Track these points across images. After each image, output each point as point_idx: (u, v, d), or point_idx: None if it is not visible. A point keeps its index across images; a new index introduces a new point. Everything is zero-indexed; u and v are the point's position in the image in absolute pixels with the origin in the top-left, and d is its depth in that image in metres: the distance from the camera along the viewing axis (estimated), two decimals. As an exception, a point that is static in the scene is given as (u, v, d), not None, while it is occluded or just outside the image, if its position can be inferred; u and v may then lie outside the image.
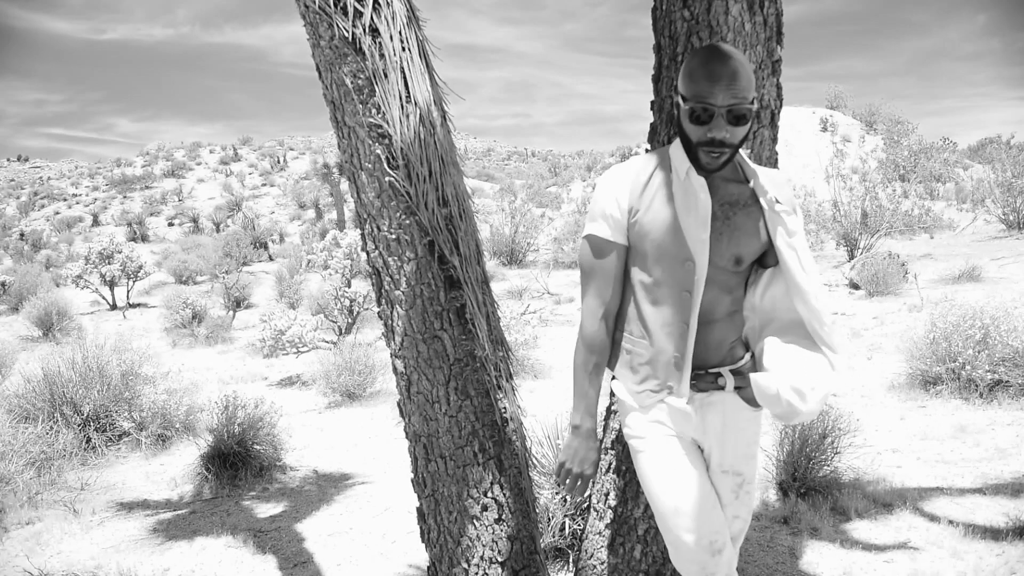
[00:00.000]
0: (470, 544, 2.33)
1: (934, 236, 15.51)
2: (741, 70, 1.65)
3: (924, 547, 3.26)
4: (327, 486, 4.69)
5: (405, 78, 2.17)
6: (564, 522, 3.25)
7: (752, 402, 1.84)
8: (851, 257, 13.06)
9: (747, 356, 1.88)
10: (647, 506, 2.28)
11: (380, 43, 2.14)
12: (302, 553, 3.68)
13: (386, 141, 2.18)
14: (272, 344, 8.09)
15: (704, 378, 1.84)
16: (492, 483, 2.33)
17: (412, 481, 2.44)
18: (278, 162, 56.38)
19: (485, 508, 2.33)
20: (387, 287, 2.29)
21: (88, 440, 5.17)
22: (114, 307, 14.53)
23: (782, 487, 3.91)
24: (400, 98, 2.16)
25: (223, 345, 10.52)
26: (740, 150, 2.17)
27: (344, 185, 29.69)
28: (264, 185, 50.32)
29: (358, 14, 2.12)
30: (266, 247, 26.06)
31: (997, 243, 13.95)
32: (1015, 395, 5.09)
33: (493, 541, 2.34)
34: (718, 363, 1.85)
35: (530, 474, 2.53)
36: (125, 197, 48.47)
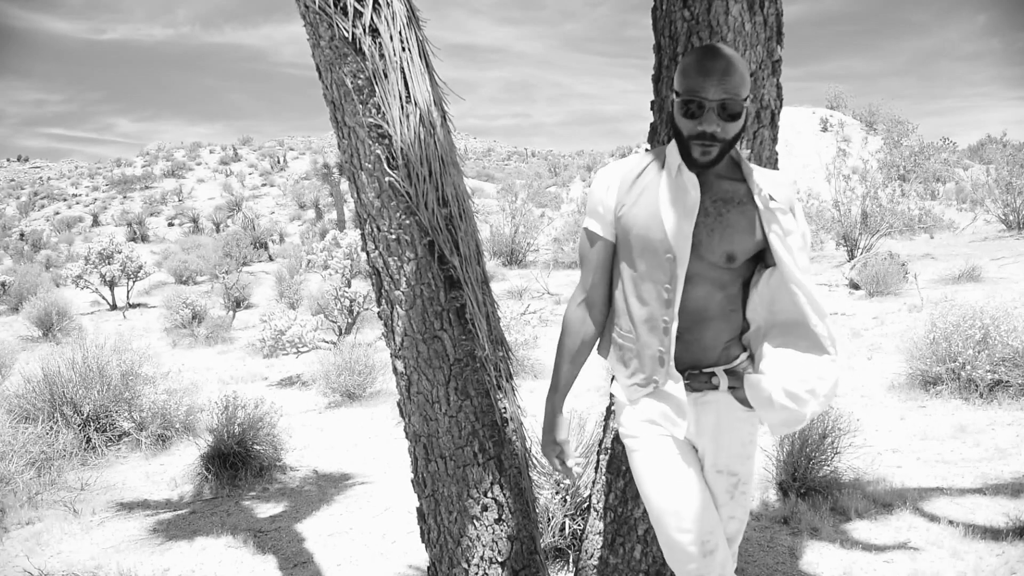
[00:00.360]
0: (470, 544, 2.33)
1: (934, 236, 15.51)
2: (734, 67, 1.67)
3: (924, 547, 3.26)
4: (327, 486, 4.69)
5: (405, 78, 2.17)
6: (564, 522, 3.25)
7: (745, 403, 1.84)
8: (851, 257, 13.06)
9: (743, 356, 1.88)
10: (647, 510, 2.28)
11: (380, 43, 2.14)
12: (302, 553, 3.68)
13: (386, 141, 2.18)
14: (272, 344, 8.09)
15: (698, 377, 1.84)
16: (492, 483, 2.33)
17: (412, 481, 2.44)
18: (278, 162, 56.39)
19: (485, 508, 2.33)
20: (387, 287, 2.29)
21: (88, 440, 5.17)
22: (114, 307, 14.53)
23: (782, 487, 3.91)
24: (400, 98, 2.16)
25: (223, 345, 10.52)
26: (740, 150, 2.18)
27: (344, 185, 29.69)
28: (264, 185, 50.33)
29: (358, 14, 2.12)
30: (266, 247, 26.06)
31: (997, 243, 13.95)
32: (1015, 395, 5.09)
33: (493, 541, 2.34)
34: (713, 363, 1.85)
35: (530, 474, 2.53)
36: (125, 197, 48.48)
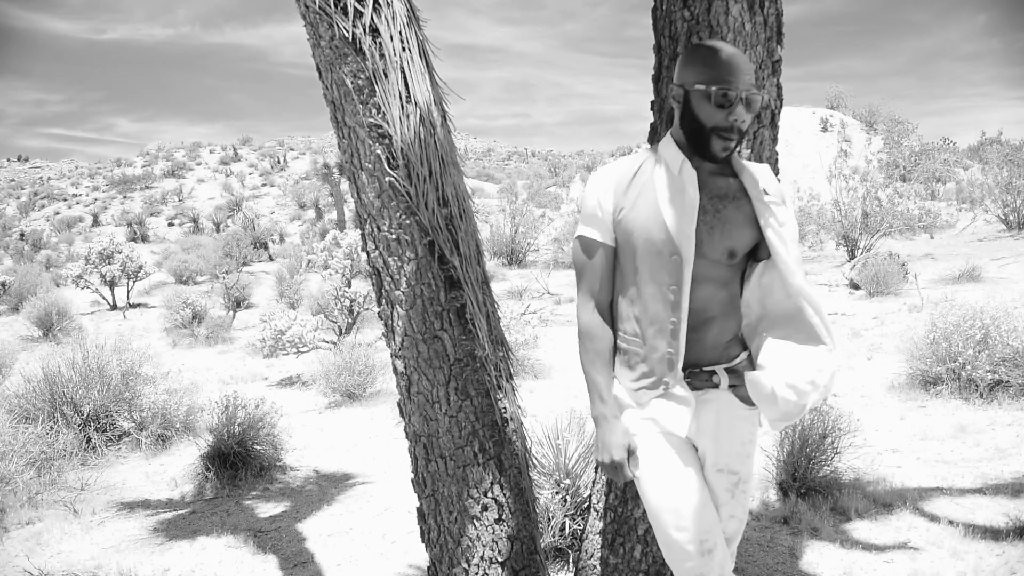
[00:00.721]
0: (470, 544, 2.33)
1: (934, 236, 15.52)
2: (749, 64, 1.74)
3: (924, 547, 3.26)
4: (327, 486, 4.69)
5: (405, 78, 2.17)
6: (564, 522, 3.25)
7: (747, 401, 1.85)
8: (851, 257, 13.07)
9: (743, 355, 1.89)
10: (645, 508, 2.28)
11: (380, 43, 2.14)
12: (302, 553, 3.68)
13: (386, 141, 2.18)
14: (272, 344, 8.09)
15: (699, 376, 1.84)
16: (492, 483, 2.33)
17: (412, 481, 2.44)
18: (278, 162, 56.39)
19: (485, 508, 2.33)
20: (387, 287, 2.29)
21: (88, 440, 5.17)
22: (114, 307, 14.54)
23: (782, 487, 3.91)
24: (400, 98, 2.16)
25: (223, 345, 10.52)
26: (740, 159, 2.18)
27: (344, 185, 29.70)
28: (264, 185, 50.33)
29: (358, 14, 2.12)
30: (266, 247, 26.06)
31: (997, 243, 13.95)
32: (1015, 395, 5.09)
33: (493, 541, 2.34)
34: (714, 361, 1.85)
35: (530, 474, 2.53)
36: (125, 197, 48.48)
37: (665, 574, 2.33)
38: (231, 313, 12.72)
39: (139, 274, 15.13)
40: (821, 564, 3.19)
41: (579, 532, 3.17)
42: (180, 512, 4.32)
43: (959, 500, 3.73)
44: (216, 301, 13.65)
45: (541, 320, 9.19)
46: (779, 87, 2.27)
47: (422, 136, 2.19)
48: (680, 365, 1.80)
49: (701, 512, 1.81)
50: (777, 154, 2.35)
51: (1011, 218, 15.30)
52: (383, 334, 2.40)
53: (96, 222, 42.29)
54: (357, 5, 2.11)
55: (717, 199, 1.80)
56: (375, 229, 2.27)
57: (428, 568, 2.49)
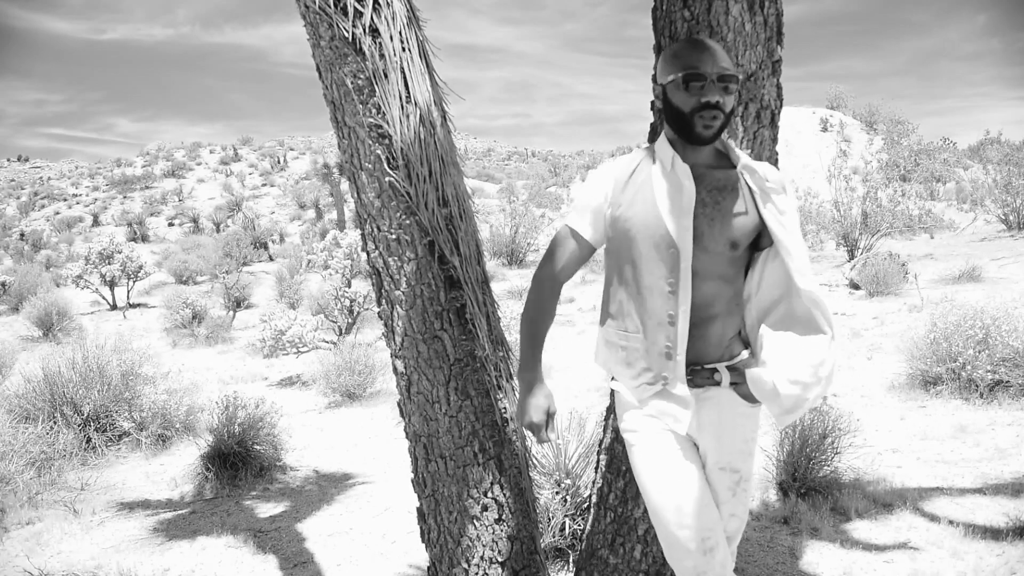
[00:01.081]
0: (470, 544, 2.33)
1: (934, 236, 15.51)
2: (722, 50, 1.80)
3: (924, 547, 3.26)
4: (327, 486, 4.69)
5: (405, 78, 2.17)
6: (564, 522, 3.25)
7: (749, 398, 1.85)
8: (851, 257, 13.06)
9: (745, 353, 1.89)
10: (647, 506, 2.28)
11: (380, 43, 2.14)
12: (302, 553, 3.68)
13: (386, 141, 2.18)
14: (272, 344, 8.10)
15: (701, 374, 1.84)
16: (492, 483, 2.33)
17: (412, 481, 2.44)
18: (278, 162, 56.39)
19: (485, 508, 2.33)
20: (387, 287, 2.29)
21: (88, 440, 5.17)
22: (114, 307, 14.54)
23: (782, 487, 3.91)
24: (400, 98, 2.16)
25: (223, 345, 10.52)
26: (737, 147, 2.18)
27: (344, 185, 29.69)
28: (264, 185, 50.32)
29: (358, 14, 2.12)
30: (266, 247, 26.06)
31: (997, 243, 13.95)
32: (1015, 395, 5.09)
33: (493, 541, 2.34)
34: (716, 359, 1.85)
35: (530, 474, 2.53)
36: (125, 197, 48.47)
37: (665, 574, 2.33)
38: (231, 313, 12.72)
39: (139, 274, 15.13)
40: (821, 564, 3.19)
41: (579, 532, 3.17)
42: (180, 512, 4.32)
43: (959, 500, 3.73)
44: (216, 301, 13.66)
45: (541, 320, 9.16)
46: (779, 87, 2.27)
47: (422, 136, 2.19)
48: (679, 358, 1.80)
49: (703, 510, 1.81)
50: (777, 154, 2.34)
51: (1011, 218, 15.30)
52: (383, 334, 2.40)
53: (96, 222, 42.28)
54: (357, 5, 2.11)
55: (716, 191, 1.82)
56: (375, 229, 2.27)
57: (428, 568, 2.49)
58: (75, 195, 51.78)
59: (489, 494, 2.33)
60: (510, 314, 8.04)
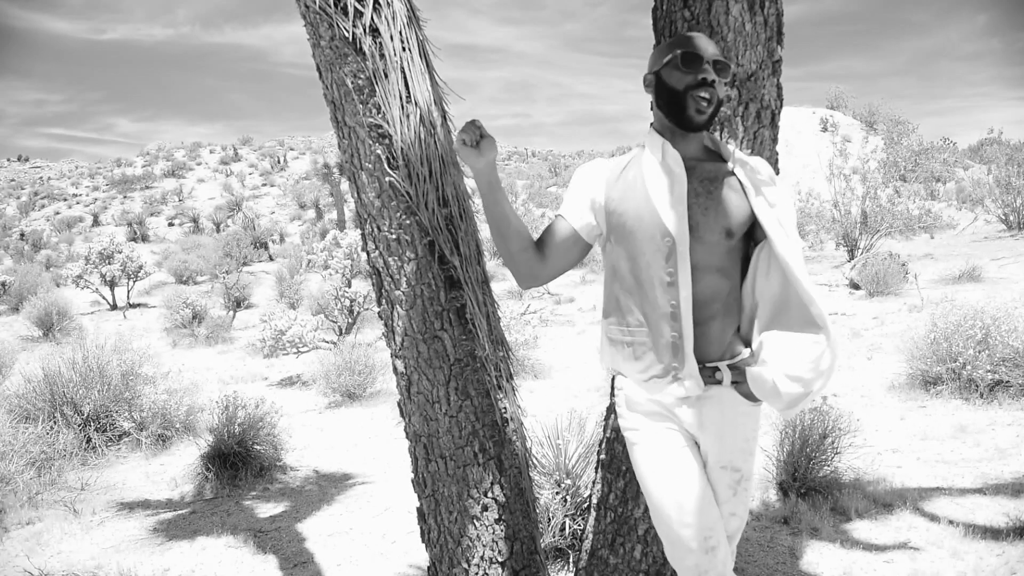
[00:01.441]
0: (470, 544, 2.33)
1: (934, 236, 15.51)
2: (712, 41, 1.85)
3: (924, 547, 3.26)
4: (327, 486, 4.69)
5: (405, 78, 2.17)
6: (564, 522, 3.25)
7: (750, 397, 1.85)
8: (851, 257, 13.06)
9: (746, 351, 1.89)
10: (647, 506, 2.28)
11: (380, 43, 2.14)
12: (302, 553, 3.68)
13: (386, 141, 2.18)
14: (272, 344, 8.10)
15: (703, 372, 1.84)
16: (492, 483, 2.33)
17: (412, 481, 2.44)
18: (278, 162, 56.38)
19: (485, 508, 2.33)
20: (387, 287, 2.29)
21: (88, 440, 5.17)
22: (114, 307, 14.53)
23: (782, 487, 3.91)
24: (400, 98, 2.16)
25: (223, 345, 10.52)
26: (738, 149, 2.18)
27: (344, 185, 29.70)
28: (264, 185, 50.30)
29: (358, 14, 2.12)
30: (266, 247, 26.06)
31: (997, 243, 13.95)
32: (1015, 395, 5.09)
33: (493, 541, 2.34)
34: (717, 358, 1.85)
35: (530, 474, 2.53)
36: (125, 197, 48.46)
37: (665, 574, 2.33)
38: (231, 313, 12.72)
39: (139, 274, 15.14)
40: (821, 564, 3.19)
41: (579, 532, 3.17)
42: (180, 512, 4.32)
43: (959, 500, 3.73)
44: (216, 301, 13.66)
45: (541, 320, 9.19)
46: (779, 87, 2.27)
47: (422, 136, 2.19)
48: (687, 350, 1.80)
49: (705, 509, 1.81)
50: (777, 154, 2.34)
51: (1011, 218, 15.30)
52: (383, 334, 2.40)
53: (96, 222, 42.27)
54: (357, 5, 2.11)
55: (708, 181, 1.84)
56: (375, 229, 2.27)
57: (428, 568, 2.49)
58: (75, 195, 51.76)
59: (489, 494, 2.33)
60: (510, 314, 8.05)
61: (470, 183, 2.36)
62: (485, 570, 2.34)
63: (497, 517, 2.34)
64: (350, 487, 4.66)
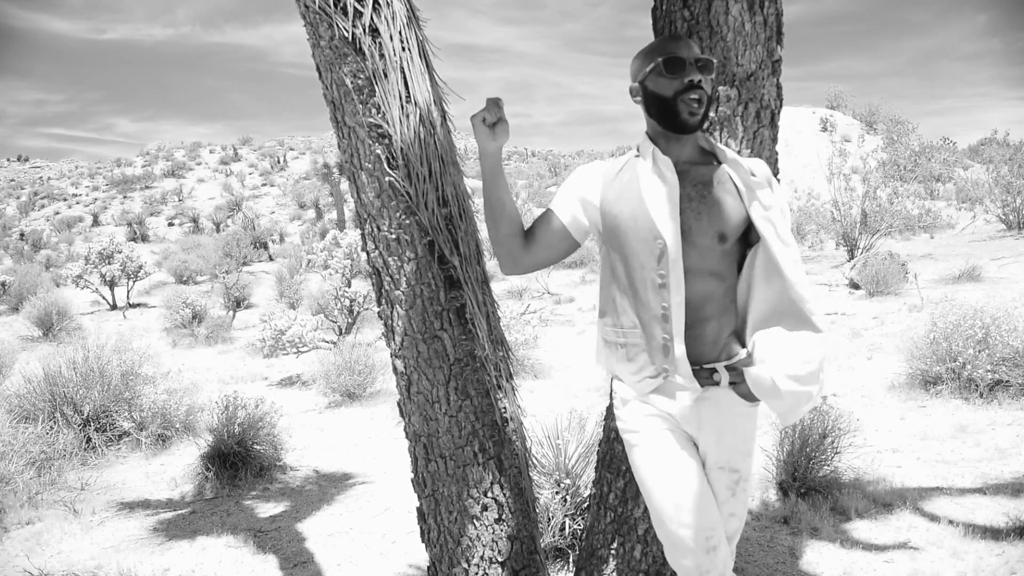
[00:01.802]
0: (470, 544, 2.33)
1: (934, 236, 15.51)
2: (692, 42, 1.86)
3: (924, 547, 3.26)
4: (327, 486, 4.69)
5: (405, 78, 2.17)
6: (564, 522, 3.25)
7: (748, 397, 1.85)
8: (851, 257, 13.06)
9: (743, 352, 1.89)
10: (647, 506, 2.28)
11: (380, 43, 2.14)
12: (302, 553, 3.68)
13: (386, 141, 2.18)
14: (272, 344, 8.10)
15: (699, 373, 1.84)
16: (492, 483, 2.33)
17: (412, 481, 2.44)
18: (278, 162, 56.38)
19: (485, 508, 2.33)
20: (387, 287, 2.29)
21: (88, 440, 5.17)
22: (114, 307, 14.53)
23: (782, 487, 3.91)
24: (400, 98, 2.16)
25: (223, 345, 10.52)
26: (736, 149, 2.17)
27: (344, 185, 29.70)
28: (264, 185, 50.31)
29: (358, 14, 2.12)
30: (266, 247, 26.06)
31: (997, 243, 13.95)
32: (1015, 395, 5.09)
33: (493, 541, 2.34)
34: (713, 359, 1.85)
35: (530, 474, 2.53)
36: (125, 197, 48.47)
37: (665, 574, 2.33)
38: (231, 313, 12.72)
39: (139, 274, 15.14)
40: (821, 564, 3.19)
41: (579, 532, 3.17)
42: (180, 512, 4.32)
43: (959, 500, 3.73)
44: (216, 301, 13.66)
45: (541, 320, 9.19)
46: (779, 87, 2.27)
47: (422, 136, 2.19)
48: (678, 352, 1.80)
49: (704, 509, 1.81)
50: (777, 154, 2.34)
51: (1011, 218, 15.30)
52: (383, 334, 2.40)
53: (96, 222, 42.28)
54: (357, 5, 2.11)
55: (701, 185, 1.84)
56: (375, 229, 2.27)
57: (428, 568, 2.49)
58: (75, 195, 51.77)
59: (489, 494, 2.33)
60: (510, 314, 8.05)
61: (470, 183, 2.36)
62: (485, 570, 2.34)
63: (497, 517, 2.34)
64: (350, 487, 4.66)
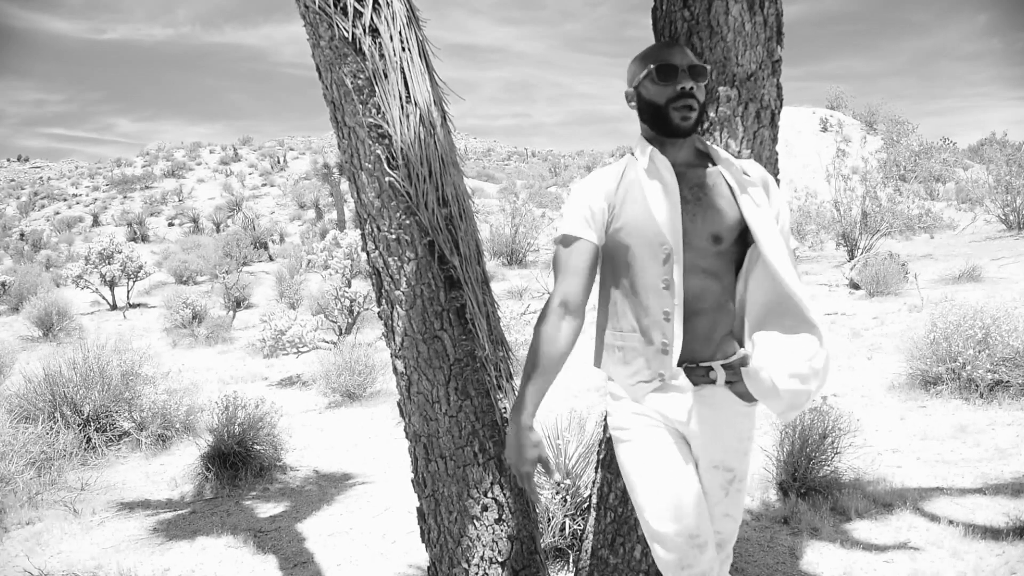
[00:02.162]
0: (470, 544, 2.33)
1: (934, 236, 15.50)
2: (685, 48, 1.88)
3: (924, 547, 3.26)
4: (327, 486, 4.69)
5: (405, 78, 2.17)
6: (564, 522, 3.25)
7: (745, 396, 1.85)
8: (851, 257, 13.06)
9: (741, 351, 1.88)
10: (633, 503, 2.27)
11: (380, 43, 2.14)
12: (302, 553, 3.68)
13: (386, 141, 2.18)
14: (272, 344, 8.10)
15: (695, 372, 1.83)
16: (492, 483, 2.33)
17: (412, 481, 2.44)
18: (278, 162, 56.39)
19: (485, 508, 2.33)
20: (387, 287, 2.29)
21: (88, 440, 5.17)
22: (114, 307, 14.54)
23: (782, 487, 3.91)
24: (400, 98, 2.16)
25: (223, 345, 10.52)
26: (738, 150, 2.17)
27: (344, 185, 29.68)
28: (264, 185, 50.31)
29: (358, 14, 2.12)
30: (266, 247, 26.06)
31: (997, 243, 13.94)
32: (1015, 395, 5.09)
33: (493, 541, 2.34)
34: (709, 357, 1.85)
35: (530, 474, 2.52)
36: (125, 197, 48.47)
37: (665, 574, 2.33)
38: (231, 313, 12.72)
39: (139, 274, 15.14)
40: (821, 564, 3.19)
41: (579, 532, 3.17)
42: (180, 512, 4.32)
43: (959, 500, 3.73)
44: (216, 301, 13.66)
45: (541, 320, 9.16)
46: (779, 87, 2.27)
47: (422, 136, 2.19)
48: (675, 354, 1.80)
49: (694, 506, 1.81)
50: (777, 154, 2.34)
51: (1011, 218, 15.29)
52: (383, 334, 2.40)
53: (96, 222, 42.28)
54: (357, 5, 2.11)
55: (697, 187, 1.85)
56: (375, 229, 2.27)
57: (428, 568, 2.49)
58: (75, 195, 51.77)
59: (489, 494, 2.33)
60: (510, 314, 8.04)
61: (470, 183, 2.36)
62: (485, 570, 2.34)
63: (497, 517, 2.34)
64: (350, 487, 4.66)
